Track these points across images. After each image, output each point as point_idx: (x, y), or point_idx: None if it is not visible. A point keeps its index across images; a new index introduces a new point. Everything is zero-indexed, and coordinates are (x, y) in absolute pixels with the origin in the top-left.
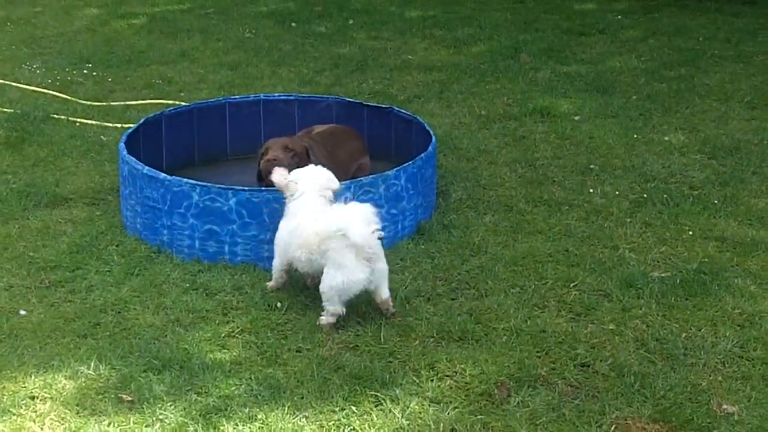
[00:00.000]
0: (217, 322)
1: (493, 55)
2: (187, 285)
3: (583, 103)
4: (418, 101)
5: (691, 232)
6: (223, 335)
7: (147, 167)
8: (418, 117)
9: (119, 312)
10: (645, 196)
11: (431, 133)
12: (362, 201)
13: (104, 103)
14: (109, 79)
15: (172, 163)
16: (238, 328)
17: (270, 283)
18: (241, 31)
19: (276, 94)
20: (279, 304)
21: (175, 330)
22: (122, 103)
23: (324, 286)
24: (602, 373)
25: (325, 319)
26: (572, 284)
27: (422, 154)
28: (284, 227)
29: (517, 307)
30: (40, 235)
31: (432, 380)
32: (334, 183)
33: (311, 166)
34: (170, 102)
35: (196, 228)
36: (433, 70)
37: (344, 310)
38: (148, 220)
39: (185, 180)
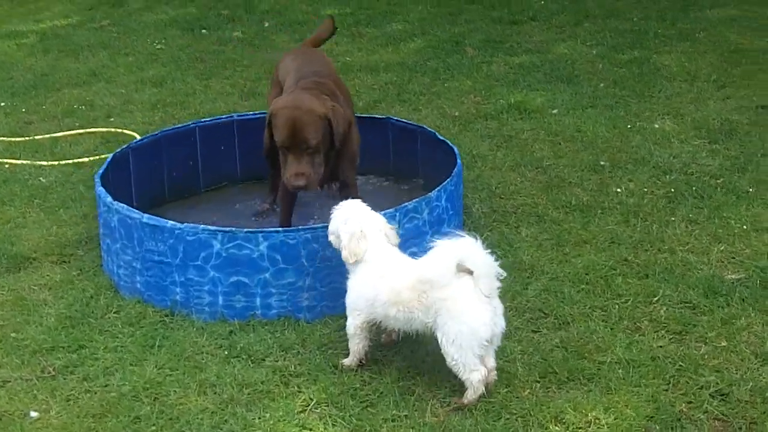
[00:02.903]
0: (283, 395)
1: (435, 50)
2: (225, 352)
3: (554, 96)
4: (380, 106)
5: (739, 226)
6: (297, 411)
7: (147, 215)
8: (423, 126)
9: (156, 398)
10: (673, 190)
11: (448, 143)
12: (408, 228)
13: (27, 138)
14: (23, 110)
15: (141, 201)
16: (311, 400)
17: (347, 360)
18: (149, 43)
19: (251, 112)
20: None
21: (236, 412)
22: (47, 135)
23: (452, 349)
24: (746, 401)
25: (471, 394)
26: (654, 299)
27: (455, 169)
28: (360, 285)
29: (611, 333)
30: (18, 310)
31: None
32: (388, 224)
33: (359, 211)
34: (103, 130)
35: (219, 281)
36: (379, 71)
37: (485, 369)
38: (154, 277)
39: (202, 227)
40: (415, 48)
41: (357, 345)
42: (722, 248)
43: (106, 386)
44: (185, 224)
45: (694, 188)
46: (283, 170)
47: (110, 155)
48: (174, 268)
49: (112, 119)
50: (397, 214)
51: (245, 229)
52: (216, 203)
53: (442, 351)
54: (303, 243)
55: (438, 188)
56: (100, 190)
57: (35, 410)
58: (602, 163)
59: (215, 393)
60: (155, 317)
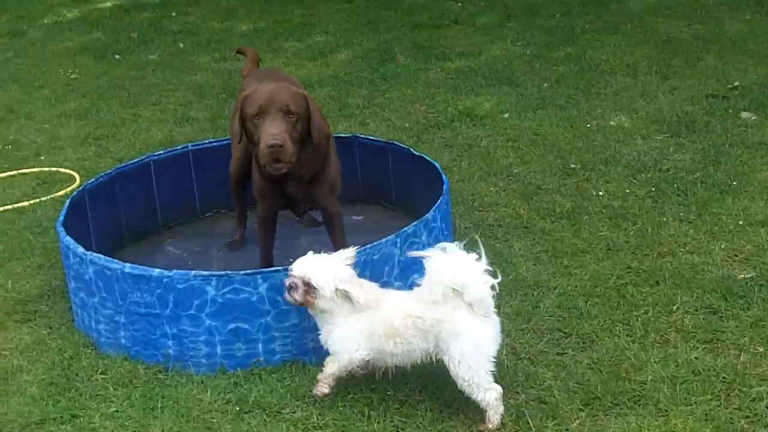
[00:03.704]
0: None
1: (365, 60)
2: (236, 408)
3: (500, 99)
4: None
5: (733, 222)
6: None
7: (129, 264)
8: (393, 141)
9: None
10: (654, 189)
11: (426, 158)
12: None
13: None
14: None
15: (101, 247)
16: None
17: (322, 389)
18: (62, 73)
19: (206, 141)
20: (370, 411)
21: None
22: None
23: (462, 371)
24: None
25: (493, 415)
26: (673, 307)
27: (444, 186)
28: (346, 323)
29: (641, 349)
30: None
31: None
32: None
33: (325, 258)
34: (37, 170)
35: (217, 330)
36: (314, 86)
37: (500, 387)
38: (141, 331)
39: (194, 273)
40: (343, 59)
41: (332, 386)
42: (723, 246)
43: None
44: (174, 271)
45: (675, 186)
46: (259, 200)
47: (67, 200)
48: (164, 319)
49: (42, 158)
50: (398, 240)
51: (242, 272)
52: (180, 241)
53: (453, 376)
54: None
55: (433, 208)
56: (68, 240)
57: None
58: (573, 165)
59: None
60: (148, 375)
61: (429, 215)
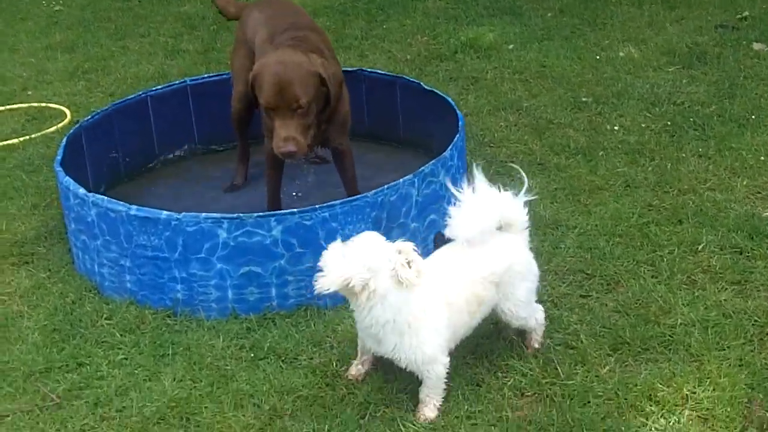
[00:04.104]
0: (334, 401)
1: None
2: (251, 354)
3: (504, 30)
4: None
5: (754, 157)
6: (356, 418)
7: (135, 207)
8: (402, 75)
9: (188, 418)
10: (669, 123)
11: (438, 92)
12: (426, 195)
13: None
14: None
15: (97, 184)
16: (369, 403)
17: (431, 413)
18: (45, 4)
19: (204, 75)
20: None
21: (287, 426)
22: None
23: (526, 308)
24: None
25: (541, 333)
26: (698, 246)
27: (460, 123)
28: (425, 318)
29: (668, 291)
30: None
31: (672, 413)
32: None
33: (369, 243)
34: (25, 106)
35: (228, 274)
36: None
37: None
38: (148, 275)
39: (204, 215)
40: None
41: (441, 388)
42: (745, 183)
43: (122, 410)
44: (183, 214)
45: (691, 120)
46: (268, 136)
47: (64, 137)
48: (173, 263)
49: (29, 93)
50: (416, 180)
51: (255, 214)
52: (179, 179)
53: (507, 319)
54: (321, 223)
55: (450, 146)
56: (68, 180)
57: None
58: (584, 99)
59: (255, 405)
60: (156, 320)
61: (446, 153)
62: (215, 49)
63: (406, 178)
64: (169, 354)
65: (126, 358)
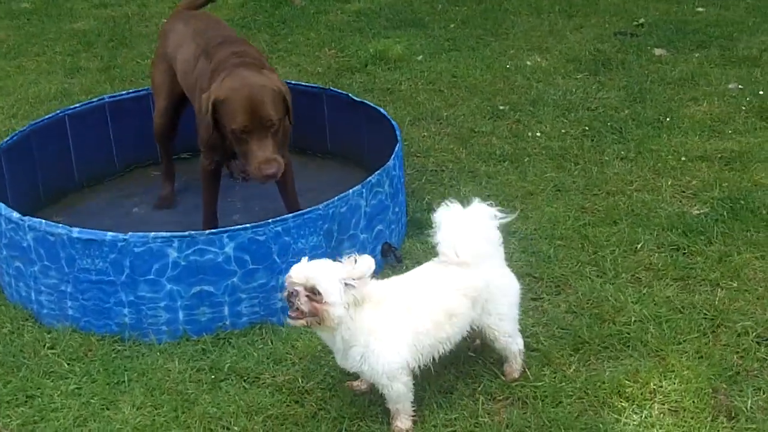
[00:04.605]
0: (306, 418)
1: (257, 3)
2: (211, 377)
3: (410, 41)
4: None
5: (674, 158)
6: None
7: (77, 229)
8: (330, 88)
9: None
10: (587, 128)
11: (368, 104)
12: (373, 204)
13: None
14: None
15: (19, 209)
16: (342, 418)
17: (404, 425)
18: None
19: (123, 92)
20: (360, 384)
21: None
22: None
23: (510, 324)
24: None
25: (520, 361)
26: (637, 245)
27: (398, 132)
28: (388, 329)
29: (616, 289)
30: None
31: (643, 408)
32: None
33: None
34: None
35: (179, 295)
36: None
37: None
38: (92, 300)
39: (153, 235)
40: (235, 2)
41: (408, 401)
42: (670, 183)
43: None
44: (130, 234)
45: (608, 124)
46: (207, 155)
47: None
48: (119, 286)
49: None
50: (364, 190)
51: (206, 231)
52: (101, 200)
53: (492, 335)
54: (273, 238)
55: (393, 155)
56: None
57: None
58: (501, 107)
59: (224, 428)
60: (104, 347)
61: (390, 163)
62: (117, 66)
63: (354, 188)
64: (124, 381)
65: (78, 388)
